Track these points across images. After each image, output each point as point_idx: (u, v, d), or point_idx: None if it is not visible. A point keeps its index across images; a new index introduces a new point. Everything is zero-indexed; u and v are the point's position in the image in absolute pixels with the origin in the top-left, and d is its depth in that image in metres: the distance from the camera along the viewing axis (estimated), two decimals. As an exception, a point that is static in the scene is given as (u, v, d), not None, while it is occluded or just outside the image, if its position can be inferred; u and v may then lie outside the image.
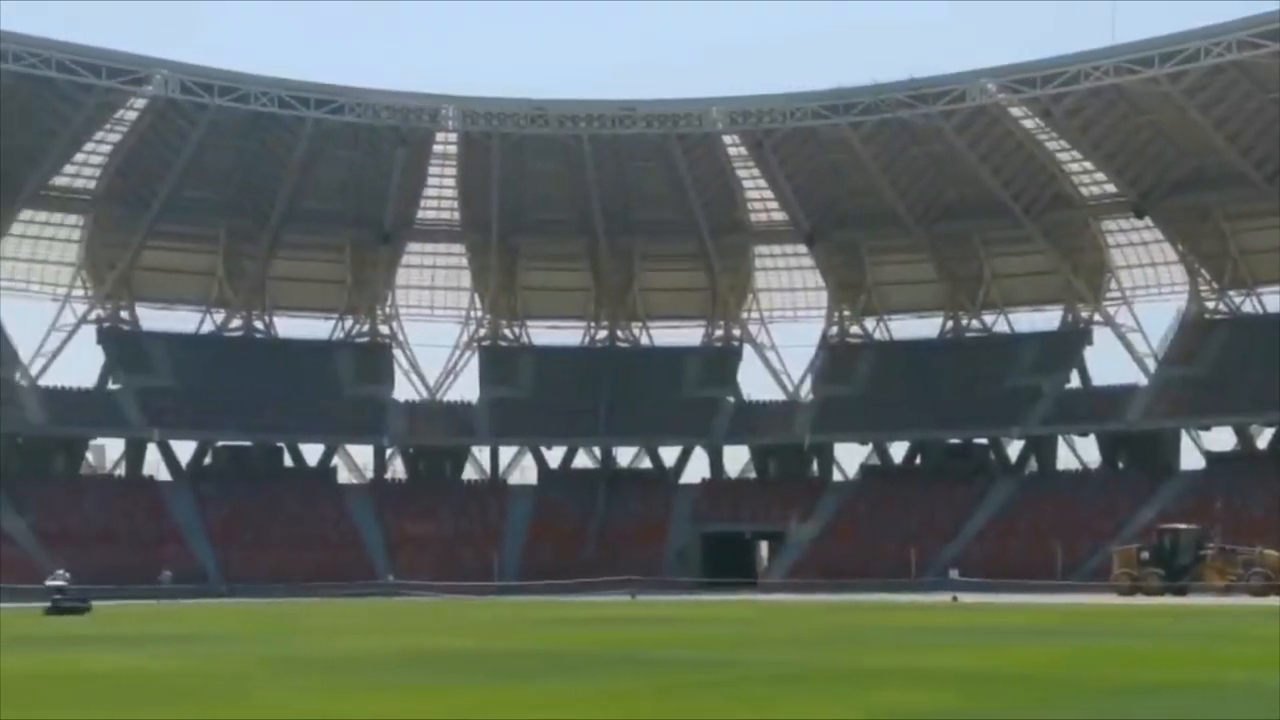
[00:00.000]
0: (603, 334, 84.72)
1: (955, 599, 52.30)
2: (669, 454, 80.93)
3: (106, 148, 72.98)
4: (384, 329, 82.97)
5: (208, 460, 76.67)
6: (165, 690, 18.76)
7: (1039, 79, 66.39)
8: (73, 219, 76.15)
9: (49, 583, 47.97)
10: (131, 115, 70.89)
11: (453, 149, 77.17)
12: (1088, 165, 73.01)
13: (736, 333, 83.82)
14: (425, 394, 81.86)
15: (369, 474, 79.27)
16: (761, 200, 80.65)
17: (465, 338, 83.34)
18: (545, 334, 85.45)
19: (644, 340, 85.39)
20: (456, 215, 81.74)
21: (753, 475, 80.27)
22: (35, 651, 26.51)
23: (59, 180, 73.95)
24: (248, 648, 27.29)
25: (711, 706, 16.32)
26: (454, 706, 16.43)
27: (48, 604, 45.26)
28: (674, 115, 73.39)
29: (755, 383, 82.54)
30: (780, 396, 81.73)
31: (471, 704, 16.71)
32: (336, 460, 79.49)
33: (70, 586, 47.55)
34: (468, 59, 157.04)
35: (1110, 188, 73.81)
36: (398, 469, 79.96)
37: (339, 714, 15.75)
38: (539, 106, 73.32)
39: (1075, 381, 76.69)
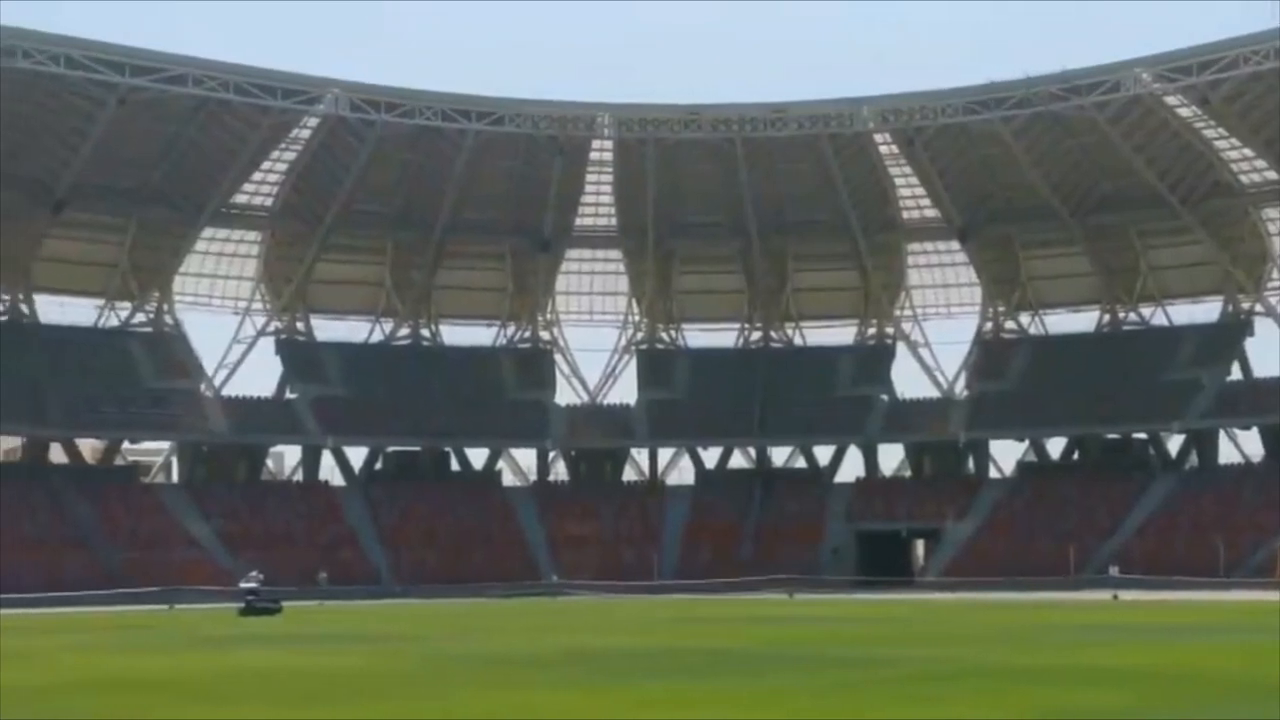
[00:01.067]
0: (757, 335, 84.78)
1: (1116, 597, 51.50)
2: (823, 453, 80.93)
3: (282, 166, 75.12)
4: (545, 335, 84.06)
5: (379, 465, 78.44)
6: (355, 688, 19.63)
7: (1195, 66, 64.82)
8: (252, 235, 78.58)
9: (242, 585, 49.05)
10: (305, 134, 72.82)
11: (609, 156, 77.98)
12: (1247, 152, 71.13)
13: (889, 331, 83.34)
14: (585, 398, 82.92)
15: (532, 476, 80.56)
16: (913, 197, 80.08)
17: (623, 342, 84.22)
18: (700, 336, 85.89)
19: (797, 340, 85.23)
20: (613, 221, 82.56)
21: (907, 473, 79.86)
22: (232, 651, 27.67)
23: (239, 198, 76.22)
24: (426, 646, 28.17)
25: (871, 705, 16.52)
26: (622, 703, 16.94)
27: (241, 605, 46.50)
28: (825, 115, 73.24)
29: (909, 380, 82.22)
30: (934, 394, 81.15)
31: (638, 701, 17.21)
32: (501, 463, 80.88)
33: (263, 588, 48.58)
34: (622, 67, 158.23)
35: (1271, 175, 71.77)
36: (560, 471, 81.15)
37: (520, 710, 16.36)
38: (692, 111, 73.76)
39: (1236, 374, 74.86)
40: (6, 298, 73.07)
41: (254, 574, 49.82)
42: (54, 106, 66.44)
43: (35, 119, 66.86)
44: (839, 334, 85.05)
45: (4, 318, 72.96)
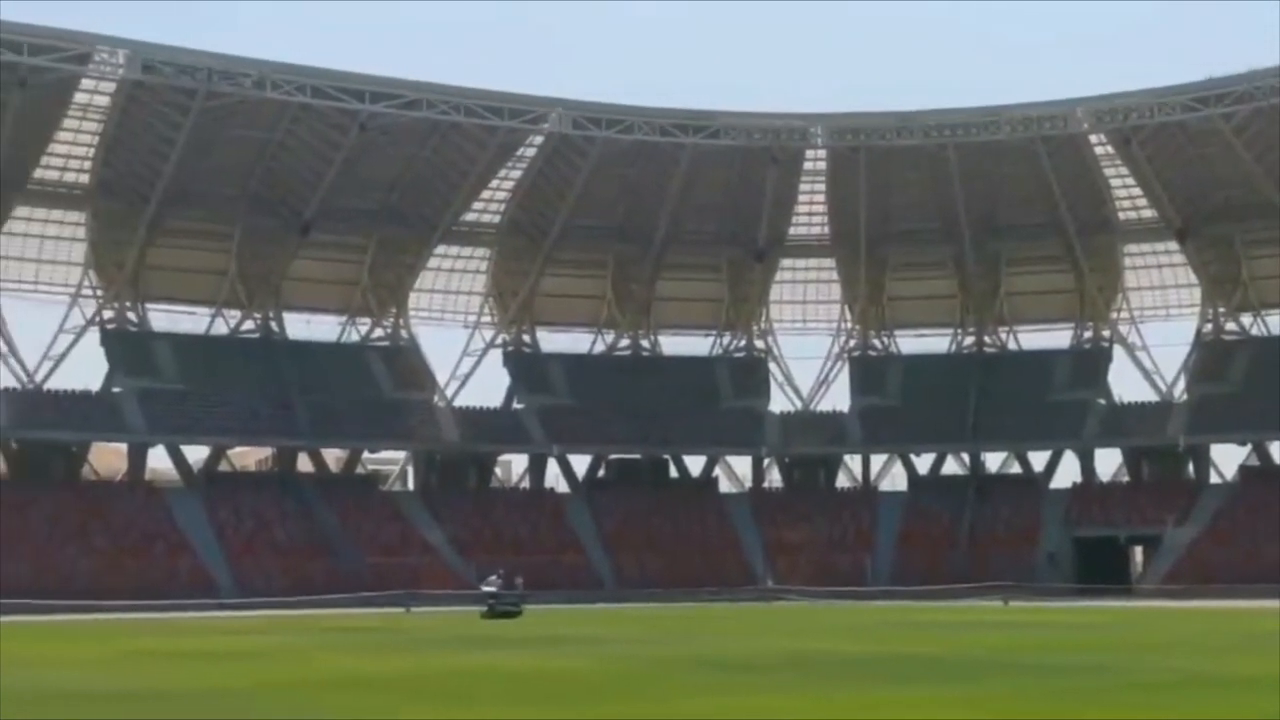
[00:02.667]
0: (970, 340, 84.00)
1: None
2: (1038, 458, 79.66)
3: (509, 184, 77.05)
4: (759, 343, 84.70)
5: (601, 472, 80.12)
6: (584, 689, 20.47)
7: None
8: (481, 251, 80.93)
9: (484, 588, 50.34)
10: (530, 152, 74.58)
11: (822, 165, 78.18)
12: None
13: (1106, 333, 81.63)
14: (799, 405, 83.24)
15: (748, 483, 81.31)
16: (1129, 198, 78.35)
17: (836, 349, 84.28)
18: (913, 342, 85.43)
19: (1011, 345, 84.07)
20: (826, 229, 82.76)
21: (1125, 478, 78.13)
22: (470, 652, 29.02)
23: (468, 216, 78.36)
24: (650, 649, 29.01)
25: (1088, 712, 16.51)
26: (841, 707, 17.40)
27: (484, 607, 48.00)
28: (1038, 118, 72.22)
29: (1126, 384, 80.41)
30: (1153, 397, 79.18)
31: (857, 705, 17.64)
32: (717, 470, 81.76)
33: (503, 591, 49.80)
34: (834, 76, 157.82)
35: None
36: (774, 478, 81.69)
37: (741, 713, 16.92)
38: (904, 118, 73.55)
39: None
40: (258, 316, 76.77)
41: (494, 577, 51.04)
42: (302, 134, 69.82)
43: (285, 146, 70.49)
44: (1054, 338, 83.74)
45: (256, 335, 76.73)
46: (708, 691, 19.57)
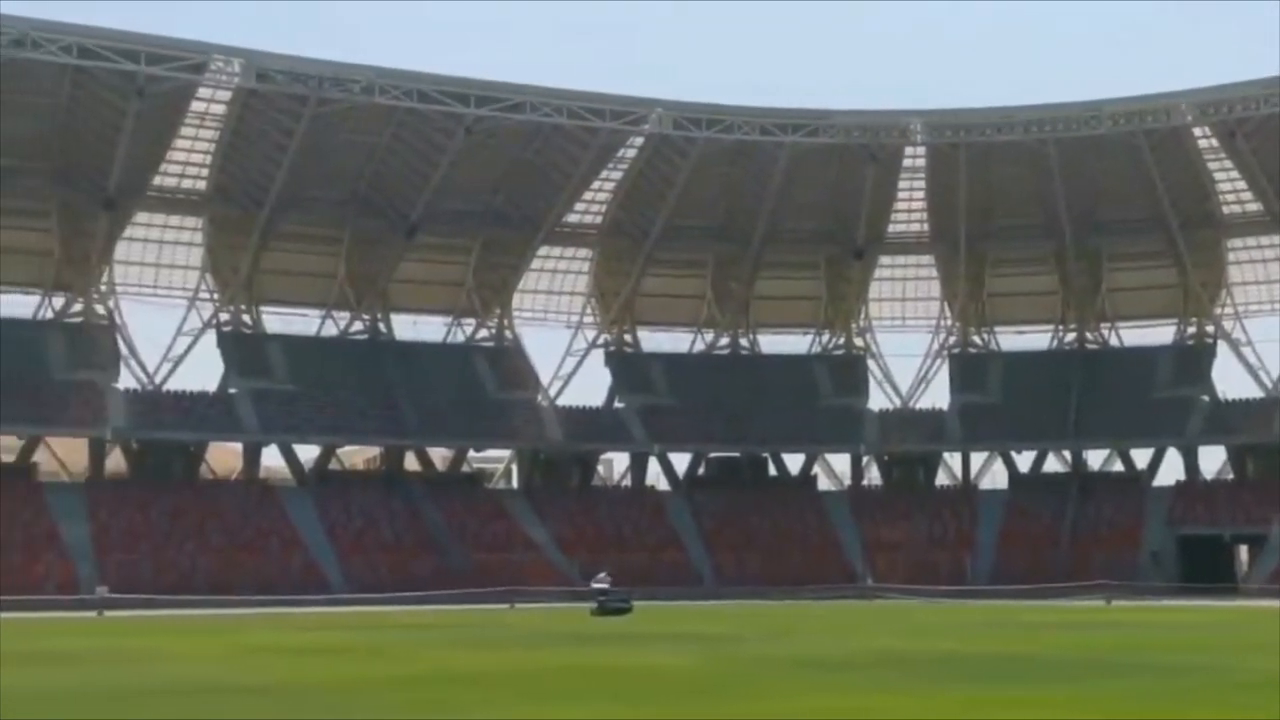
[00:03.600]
0: (1071, 336, 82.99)
1: None
2: (1141, 456, 78.41)
3: (610, 185, 77.47)
4: (858, 341, 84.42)
5: (701, 470, 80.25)
6: (685, 687, 20.75)
7: None
8: (583, 252, 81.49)
9: (593, 585, 50.72)
10: (630, 154, 74.89)
11: (921, 162, 77.71)
12: None
13: (1210, 329, 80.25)
14: (898, 403, 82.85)
15: (846, 481, 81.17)
16: (1234, 192, 76.80)
17: (935, 346, 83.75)
18: (1013, 339, 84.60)
19: (1113, 341, 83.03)
20: (925, 227, 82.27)
21: (1230, 476, 76.65)
22: (573, 648, 29.53)
23: (570, 217, 78.86)
24: (754, 647, 29.29)
25: (1194, 713, 16.47)
26: (942, 706, 17.57)
27: (594, 605, 48.37)
28: (1141, 111, 71.08)
29: (1231, 380, 78.87)
30: (1258, 394, 77.69)
31: (958, 704, 17.76)
32: (816, 469, 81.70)
33: (613, 589, 50.17)
34: (932, 72, 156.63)
35: None
36: (873, 476, 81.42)
37: (840, 713, 17.14)
38: (1005, 114, 72.83)
39: None
40: (366, 317, 77.96)
41: (603, 574, 51.37)
42: (408, 138, 70.70)
43: (392, 150, 71.50)
44: (1157, 334, 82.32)
45: (364, 336, 77.85)
46: (810, 690, 19.74)
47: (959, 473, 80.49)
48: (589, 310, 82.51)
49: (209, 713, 17.70)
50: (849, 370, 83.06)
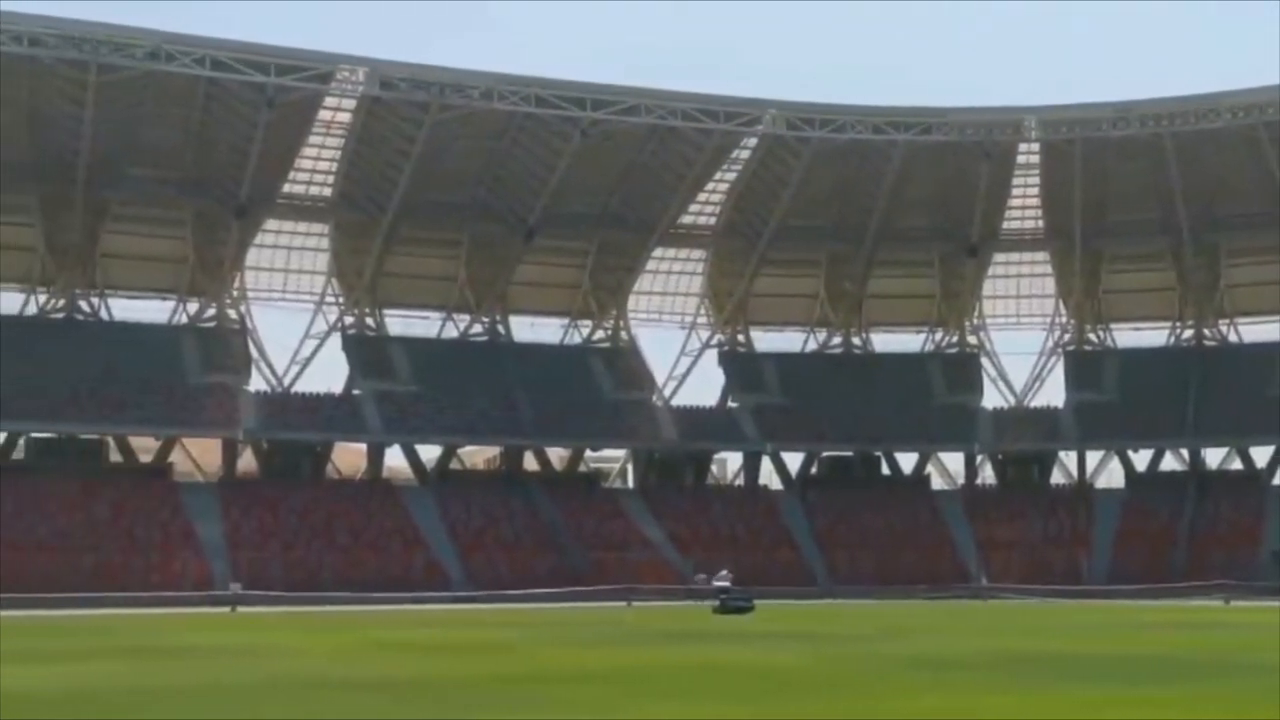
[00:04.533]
0: (1189, 333, 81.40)
1: None
2: (1261, 454, 76.51)
3: (724, 185, 77.56)
4: (972, 339, 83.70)
5: (814, 470, 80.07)
6: (803, 686, 20.69)
7: None
8: (697, 253, 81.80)
9: (715, 583, 50.68)
10: (744, 154, 74.86)
11: (1035, 158, 76.70)
12: None
13: (1332, 324, 78.28)
14: (1012, 401, 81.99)
15: (960, 480, 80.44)
16: (1357, 184, 74.89)
17: (1050, 343, 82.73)
18: (1129, 336, 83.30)
19: (1232, 337, 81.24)
20: (1040, 224, 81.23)
21: (1354, 475, 74.73)
22: (693, 646, 29.63)
23: (684, 219, 79.10)
24: (870, 646, 29.16)
25: None
26: (1058, 707, 17.42)
27: (715, 603, 48.25)
28: (1259, 104, 69.22)
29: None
30: (1382, 389, 75.58)
31: (1074, 705, 17.59)
32: (930, 468, 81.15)
33: (734, 588, 50.10)
34: (1046, 69, 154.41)
35: None
36: (987, 475, 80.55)
37: (958, 713, 17.14)
38: (1120, 109, 71.57)
39: None
40: (486, 320, 79.01)
41: (724, 572, 51.30)
42: (526, 142, 71.40)
43: (511, 155, 72.29)
44: (1277, 330, 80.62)
45: (484, 338, 78.91)
46: (926, 690, 19.70)
47: (1074, 471, 79.25)
48: (703, 311, 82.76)
49: (337, 708, 18.04)
50: (963, 368, 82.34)
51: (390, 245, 74.87)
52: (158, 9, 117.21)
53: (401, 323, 78.10)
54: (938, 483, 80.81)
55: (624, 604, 56.78)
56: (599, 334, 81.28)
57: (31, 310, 71.78)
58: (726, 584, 50.01)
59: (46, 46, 59.89)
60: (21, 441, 68.28)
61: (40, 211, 70.08)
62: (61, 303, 71.72)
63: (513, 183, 74.13)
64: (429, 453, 75.81)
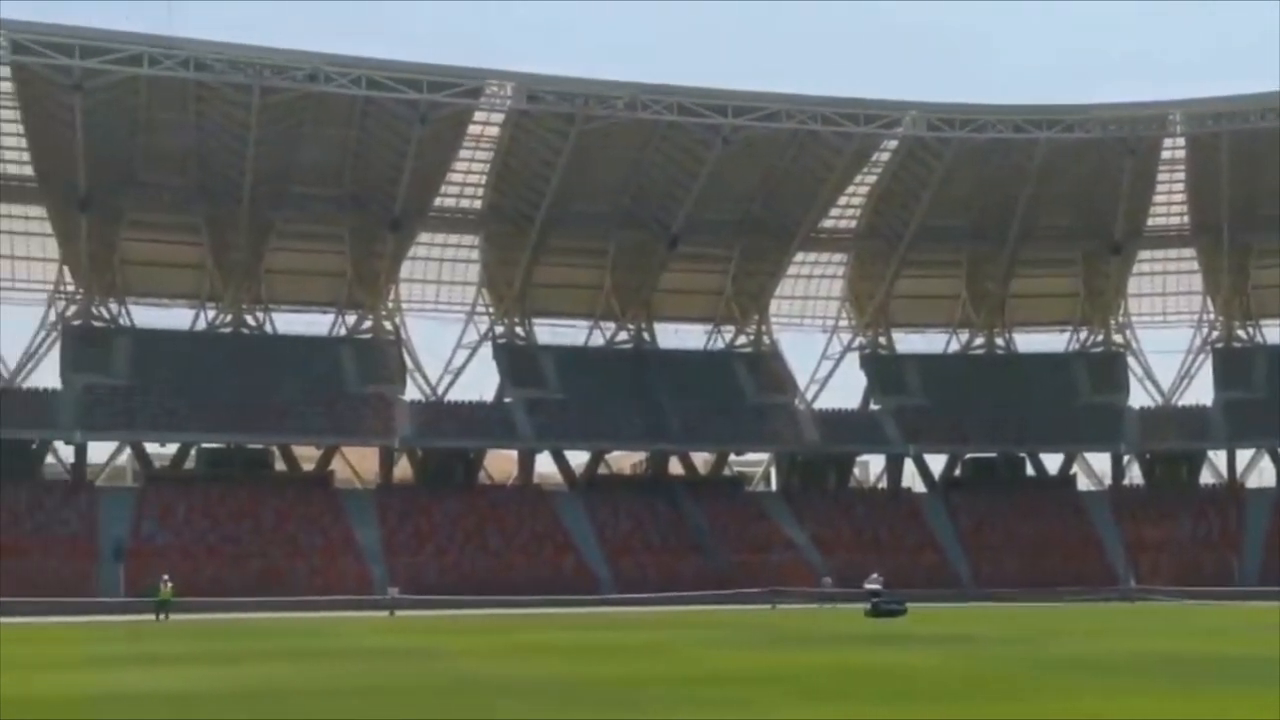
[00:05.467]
0: (1341, 327, 78.92)
1: None
2: None
3: (864, 189, 77.05)
4: (1117, 338, 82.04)
5: (957, 471, 79.20)
6: (950, 688, 20.64)
7: None
8: (838, 257, 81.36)
9: (866, 586, 50.03)
10: (884, 157, 74.29)
11: (1180, 153, 74.91)
12: None
13: None
14: (1160, 399, 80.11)
15: (1107, 481, 78.77)
16: None
17: (1198, 341, 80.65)
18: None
19: (1386, 333, 78.62)
20: (1185, 219, 79.27)
21: None
22: (846, 648, 29.55)
23: (825, 223, 78.75)
24: (1020, 649, 28.85)
25: None
26: (1210, 708, 17.24)
27: (867, 606, 47.89)
28: None
29: None
30: None
31: (1226, 707, 17.40)
32: (1075, 468, 79.63)
33: (885, 591, 49.62)
34: (1189, 63, 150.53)
35: None
36: (1134, 475, 78.69)
37: (1109, 714, 16.96)
38: (1268, 101, 69.25)
39: None
40: (631, 327, 79.60)
41: (875, 576, 50.68)
42: (669, 150, 71.65)
43: (653, 164, 72.66)
44: None
45: (629, 345, 79.48)
46: (1078, 693, 19.52)
47: (1224, 471, 77.12)
48: (844, 313, 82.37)
49: (495, 709, 18.37)
50: (1108, 367, 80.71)
51: (538, 255, 75.61)
52: (315, 31, 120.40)
53: (550, 331, 79.01)
54: (1083, 483, 79.34)
55: (769, 606, 56.80)
56: (742, 339, 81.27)
57: (201, 325, 74.23)
58: (878, 587, 49.48)
59: (213, 71, 61.79)
60: (193, 452, 70.39)
61: (208, 230, 72.33)
62: (229, 318, 73.94)
63: (656, 191, 74.45)
64: (577, 458, 76.76)
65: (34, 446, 67.43)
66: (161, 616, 50.29)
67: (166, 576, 52.55)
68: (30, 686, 21.38)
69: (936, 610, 51.86)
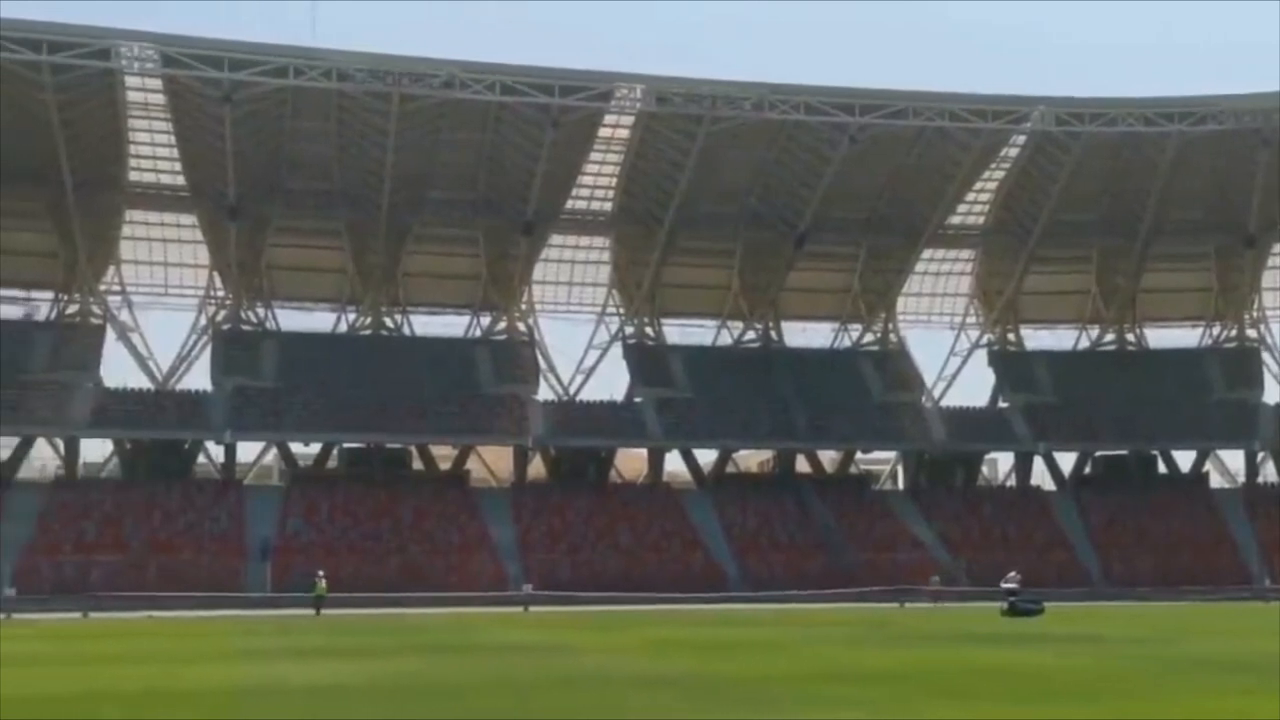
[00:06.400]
0: None
1: None
2: None
3: (992, 185, 76.08)
4: (1251, 332, 79.95)
5: (1087, 470, 77.76)
6: (1079, 688, 20.24)
7: None
8: (965, 254, 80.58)
9: (1003, 585, 48.98)
10: (1013, 152, 73.23)
11: (1319, 140, 72.84)
12: None
13: None
14: (1294, 394, 77.96)
15: (1240, 479, 76.88)
16: None
17: (1338, 335, 78.39)
18: None
19: None
20: (1331, 212, 77.09)
21: None
22: (978, 647, 29.20)
23: (953, 219, 78.00)
24: (1155, 648, 28.26)
25: None
26: None
27: (1004, 605, 46.80)
28: None
29: None
30: None
31: None
32: (1208, 466, 77.75)
33: (1022, 589, 48.59)
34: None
35: None
36: (1269, 473, 76.76)
37: (1245, 714, 16.67)
38: None
39: None
40: (758, 326, 79.55)
41: (1013, 574, 49.71)
42: (796, 150, 71.38)
43: (780, 163, 72.48)
44: None
45: (757, 344, 79.42)
46: (1214, 693, 19.19)
47: (1362, 466, 74.98)
48: (972, 310, 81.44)
49: (628, 704, 18.44)
50: (1242, 363, 78.68)
51: (667, 256, 75.74)
52: (453, 38, 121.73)
53: (678, 331, 79.24)
54: (1216, 481, 77.50)
55: (896, 605, 56.40)
56: (869, 337, 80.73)
57: (342, 328, 75.89)
58: (1015, 585, 48.44)
59: (354, 80, 63.03)
60: (335, 452, 71.94)
61: (349, 235, 73.87)
62: (368, 320, 75.43)
63: (782, 190, 74.19)
64: (706, 457, 76.79)
65: (186, 447, 69.53)
66: (318, 611, 51.06)
67: (322, 572, 53.58)
68: (182, 679, 22.13)
69: (1069, 609, 50.77)
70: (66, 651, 29.86)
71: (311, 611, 51.02)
